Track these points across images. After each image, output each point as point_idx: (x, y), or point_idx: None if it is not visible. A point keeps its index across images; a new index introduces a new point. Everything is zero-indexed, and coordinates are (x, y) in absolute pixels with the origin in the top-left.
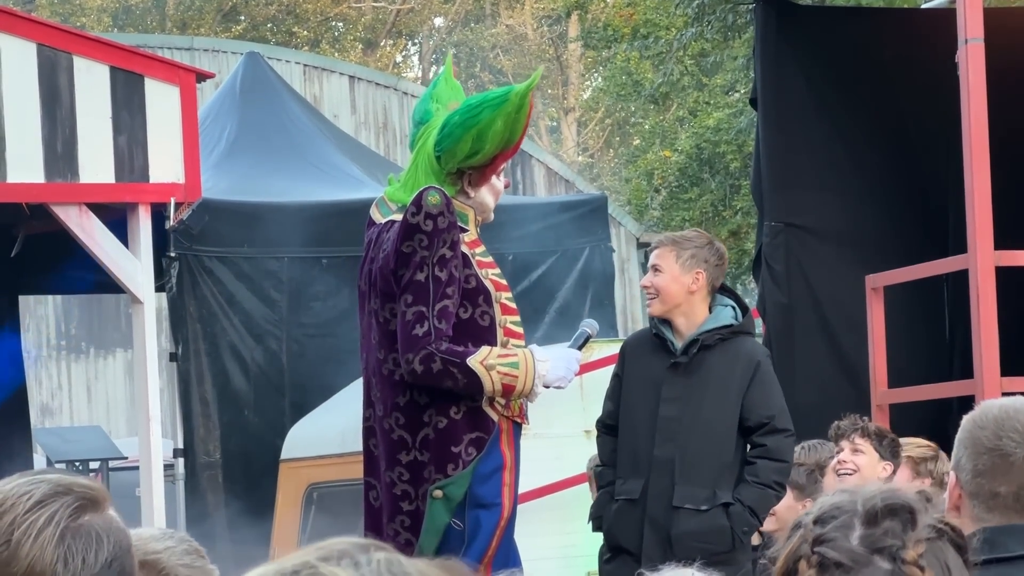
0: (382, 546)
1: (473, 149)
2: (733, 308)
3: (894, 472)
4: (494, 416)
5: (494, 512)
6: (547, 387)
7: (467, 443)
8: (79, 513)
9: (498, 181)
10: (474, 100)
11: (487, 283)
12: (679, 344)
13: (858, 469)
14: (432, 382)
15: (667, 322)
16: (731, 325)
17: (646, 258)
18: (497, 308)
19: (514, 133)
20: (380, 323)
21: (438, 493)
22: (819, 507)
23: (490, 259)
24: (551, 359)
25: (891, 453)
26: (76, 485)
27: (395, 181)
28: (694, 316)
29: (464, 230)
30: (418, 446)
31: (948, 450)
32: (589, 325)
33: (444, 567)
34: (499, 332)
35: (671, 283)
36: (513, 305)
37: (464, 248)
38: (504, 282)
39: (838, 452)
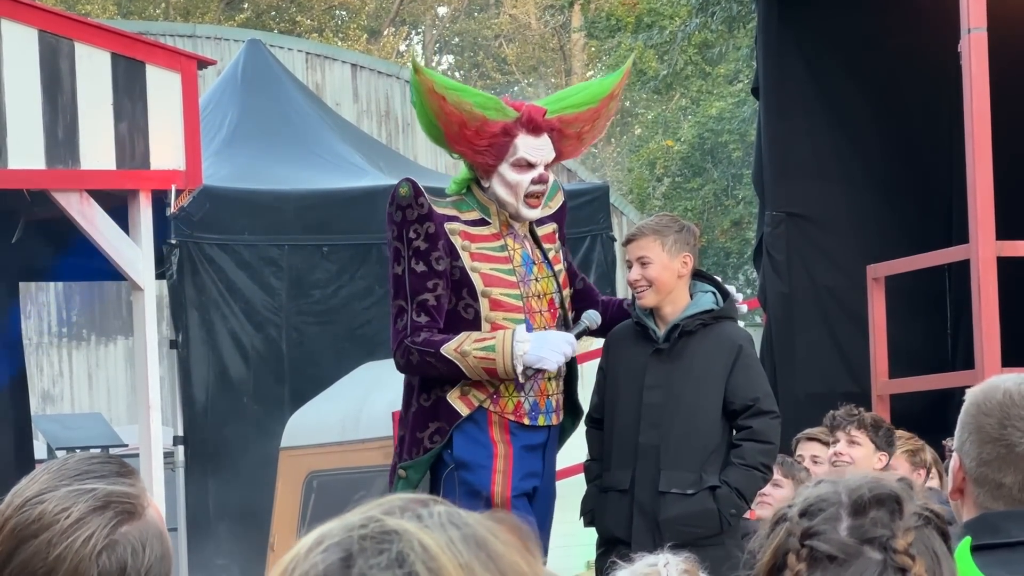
0: (440, 500)
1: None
2: (713, 293)
3: (888, 462)
4: (462, 408)
5: (482, 500)
6: (529, 368)
7: (432, 431)
8: (116, 528)
9: (512, 174)
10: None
11: (474, 276)
12: (661, 331)
13: (854, 461)
14: (417, 372)
15: (649, 311)
16: (712, 310)
17: None
18: (484, 303)
19: (431, 117)
20: None
21: (402, 473)
22: (803, 499)
23: (505, 254)
24: (532, 340)
25: (886, 443)
26: (114, 496)
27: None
28: (679, 302)
29: (487, 223)
30: (406, 424)
31: (947, 439)
32: (588, 317)
33: (496, 519)
34: (485, 327)
35: (663, 272)
36: (517, 302)
37: (457, 239)
38: (511, 279)
39: (834, 443)
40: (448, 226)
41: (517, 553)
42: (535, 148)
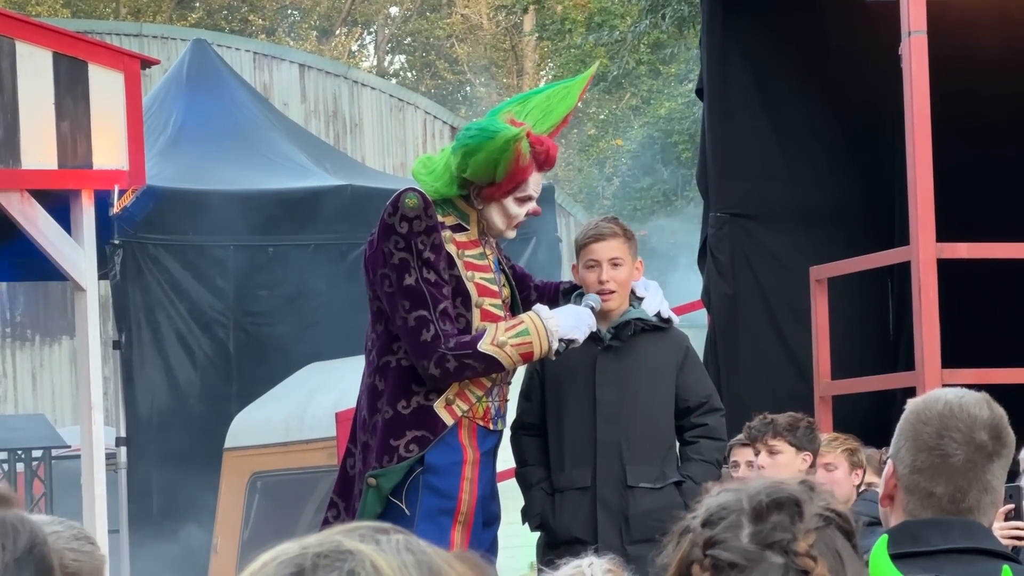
0: (399, 529)
1: (462, 165)
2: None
3: (814, 461)
4: (447, 419)
5: (447, 504)
6: (564, 341)
7: (409, 440)
8: None
9: (514, 207)
10: (482, 121)
11: (470, 286)
12: (604, 330)
13: (779, 470)
14: (454, 379)
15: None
16: (659, 315)
17: None
18: (476, 313)
19: (498, 173)
20: (369, 300)
21: (372, 481)
22: (705, 509)
23: (486, 262)
24: (557, 314)
25: (807, 441)
26: None
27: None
28: (622, 304)
29: (464, 229)
30: (371, 430)
31: (885, 447)
32: (593, 299)
33: (457, 555)
34: None
35: (630, 275)
36: (499, 312)
37: (451, 247)
38: (495, 288)
39: (756, 455)
40: (443, 234)
41: None
42: (537, 183)
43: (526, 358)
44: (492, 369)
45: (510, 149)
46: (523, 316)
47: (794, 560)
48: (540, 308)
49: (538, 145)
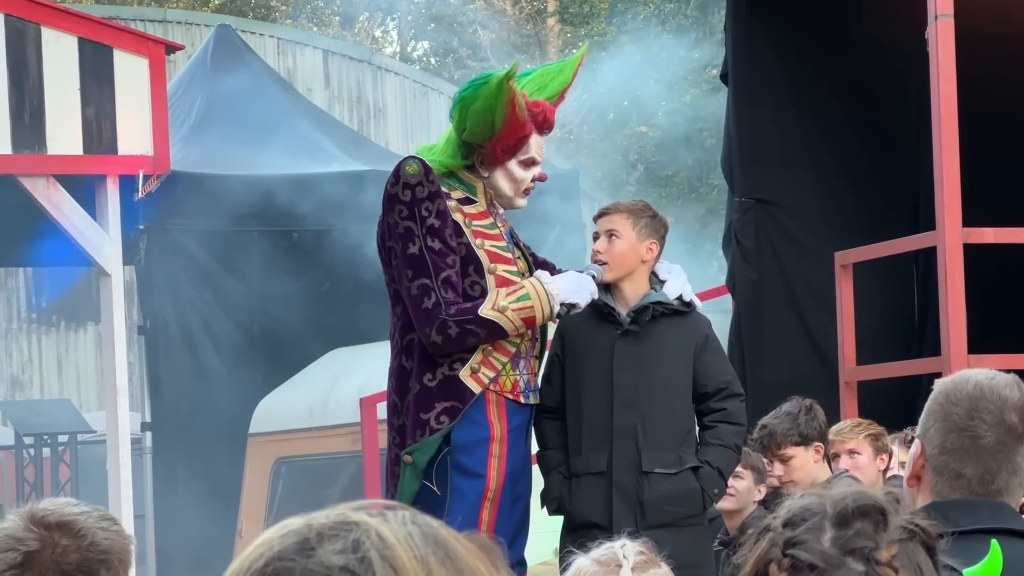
0: (404, 506)
1: (460, 125)
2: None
3: (825, 452)
4: (474, 387)
5: (476, 483)
6: (566, 306)
7: (439, 411)
8: None
9: (519, 170)
10: (474, 77)
11: (480, 253)
12: (624, 313)
13: (797, 479)
14: (457, 346)
15: (608, 292)
16: (680, 299)
17: None
18: (491, 280)
19: (496, 120)
20: (386, 284)
21: (408, 459)
22: (787, 510)
23: (497, 231)
24: (558, 278)
25: (812, 430)
26: None
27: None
28: (641, 286)
29: (472, 201)
30: (404, 411)
31: (909, 427)
32: (594, 268)
33: (466, 534)
34: None
35: (628, 251)
36: (516, 279)
37: (459, 216)
38: (508, 255)
39: (771, 468)
40: (448, 203)
41: (479, 561)
42: (540, 146)
43: (528, 323)
44: (495, 335)
45: (504, 90)
46: (523, 281)
47: (875, 569)
48: (540, 273)
49: (534, 108)
